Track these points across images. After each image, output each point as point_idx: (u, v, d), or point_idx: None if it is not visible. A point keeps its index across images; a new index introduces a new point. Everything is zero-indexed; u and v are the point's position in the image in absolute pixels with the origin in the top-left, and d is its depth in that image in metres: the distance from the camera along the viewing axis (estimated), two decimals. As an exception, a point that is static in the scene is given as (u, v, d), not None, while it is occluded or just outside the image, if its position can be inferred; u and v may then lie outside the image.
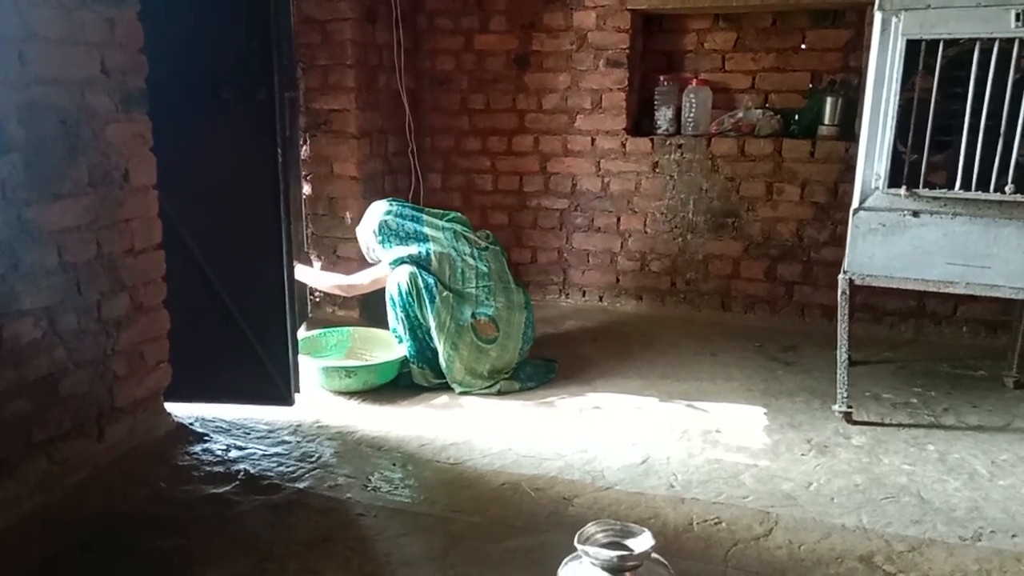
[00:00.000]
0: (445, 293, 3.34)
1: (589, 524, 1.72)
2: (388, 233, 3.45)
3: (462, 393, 3.32)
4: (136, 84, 2.55)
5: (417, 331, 3.36)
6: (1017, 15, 2.57)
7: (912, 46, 2.70)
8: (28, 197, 2.22)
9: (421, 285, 3.32)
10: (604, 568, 1.63)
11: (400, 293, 3.35)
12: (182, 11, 2.67)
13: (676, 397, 3.29)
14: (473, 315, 3.36)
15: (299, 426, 2.97)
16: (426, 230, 3.46)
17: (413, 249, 3.39)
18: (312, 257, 4.20)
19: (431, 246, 3.41)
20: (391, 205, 3.52)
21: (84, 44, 2.36)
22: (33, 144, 2.22)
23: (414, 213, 3.52)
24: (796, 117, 4.14)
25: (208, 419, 2.97)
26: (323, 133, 4.05)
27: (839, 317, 3.03)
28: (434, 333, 3.33)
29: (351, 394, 3.28)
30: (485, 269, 3.46)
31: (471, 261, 3.45)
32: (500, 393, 3.32)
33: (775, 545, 2.22)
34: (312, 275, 3.91)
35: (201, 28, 2.67)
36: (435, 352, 3.36)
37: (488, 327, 3.38)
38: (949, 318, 3.96)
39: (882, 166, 2.82)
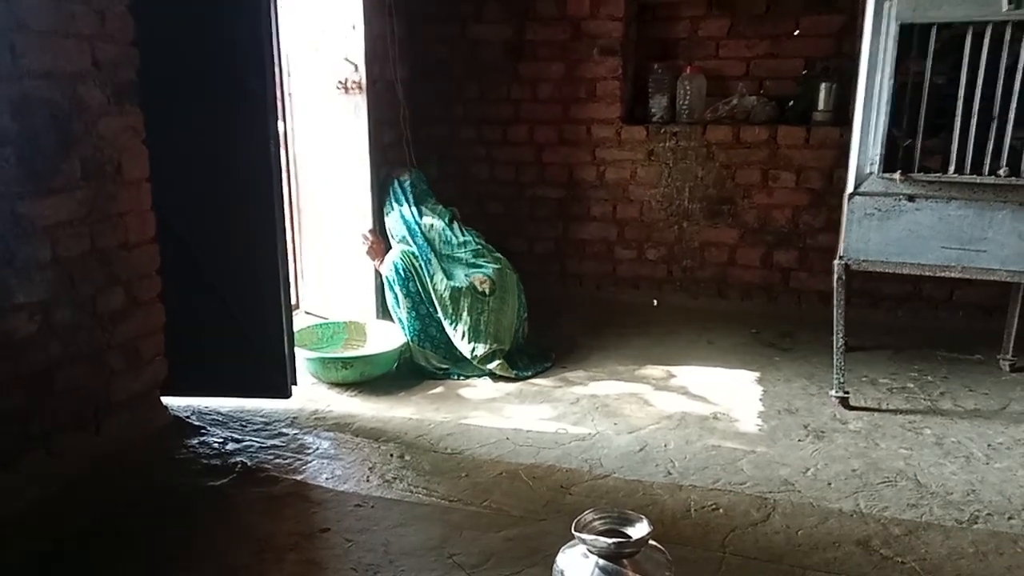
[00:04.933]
0: (436, 261, 3.52)
1: (587, 512, 1.72)
2: (401, 192, 3.79)
3: (460, 376, 3.38)
4: (128, 76, 2.54)
5: (420, 307, 3.47)
6: (1010, -1, 2.56)
7: (905, 31, 2.70)
8: (21, 191, 2.21)
9: (413, 257, 3.51)
10: (601, 556, 1.63)
11: (397, 271, 3.48)
12: (173, 2, 2.65)
13: (673, 384, 3.30)
14: (467, 275, 3.51)
15: (296, 418, 2.97)
16: (428, 201, 3.78)
17: (407, 210, 3.70)
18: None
19: (425, 219, 3.68)
20: (413, 175, 3.87)
21: (75, 36, 2.35)
22: (25, 138, 2.21)
23: (427, 188, 3.88)
24: (791, 103, 4.12)
25: (205, 412, 2.97)
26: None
27: (835, 303, 3.03)
28: (435, 299, 3.43)
29: (348, 385, 3.28)
30: (470, 238, 3.67)
31: (458, 233, 3.68)
32: (496, 378, 3.35)
33: (772, 530, 2.22)
34: None
35: (193, 19, 2.65)
36: (439, 328, 3.45)
37: (485, 282, 3.49)
38: (945, 302, 3.96)
39: (876, 151, 2.82)
